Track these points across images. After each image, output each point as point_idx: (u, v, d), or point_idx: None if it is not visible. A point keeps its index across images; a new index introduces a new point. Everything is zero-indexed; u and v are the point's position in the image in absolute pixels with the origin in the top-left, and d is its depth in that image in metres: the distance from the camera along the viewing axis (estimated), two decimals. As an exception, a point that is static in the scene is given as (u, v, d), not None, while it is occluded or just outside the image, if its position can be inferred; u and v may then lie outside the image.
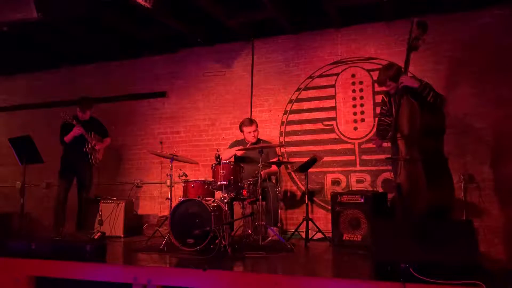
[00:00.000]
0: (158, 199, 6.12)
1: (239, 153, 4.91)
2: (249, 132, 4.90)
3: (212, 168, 4.19)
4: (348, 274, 3.00)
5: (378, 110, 4.80)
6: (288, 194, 5.57)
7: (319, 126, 5.53)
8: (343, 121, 5.44)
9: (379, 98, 4.90)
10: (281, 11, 5.15)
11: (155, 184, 6.16)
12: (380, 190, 5.05)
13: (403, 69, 3.58)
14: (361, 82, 5.41)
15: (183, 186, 4.41)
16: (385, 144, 4.16)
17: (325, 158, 5.29)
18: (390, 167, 4.56)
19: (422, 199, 3.38)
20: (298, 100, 5.67)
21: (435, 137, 3.54)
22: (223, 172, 4.02)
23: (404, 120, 3.54)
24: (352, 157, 5.33)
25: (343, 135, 5.41)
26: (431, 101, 3.49)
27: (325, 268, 3.51)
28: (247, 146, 4.83)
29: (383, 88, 4.05)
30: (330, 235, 4.42)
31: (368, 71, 5.37)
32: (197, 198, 3.97)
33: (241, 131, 4.99)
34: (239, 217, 4.41)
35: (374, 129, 5.17)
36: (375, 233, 2.97)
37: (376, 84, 5.27)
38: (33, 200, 6.28)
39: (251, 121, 4.95)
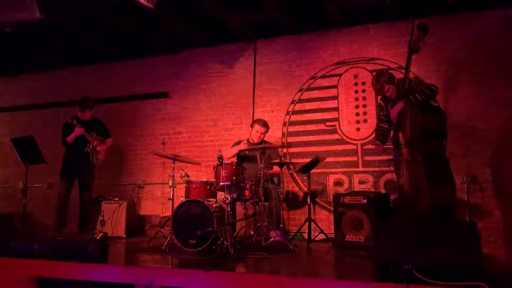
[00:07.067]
0: (160, 199, 6.11)
1: (242, 151, 4.90)
2: (257, 132, 4.89)
3: (214, 168, 4.19)
4: (351, 276, 2.99)
5: (380, 111, 4.79)
6: (290, 195, 5.56)
7: (321, 127, 5.51)
8: (345, 122, 5.43)
9: (381, 99, 4.90)
10: (283, 12, 5.15)
11: (157, 184, 6.16)
12: (383, 191, 5.03)
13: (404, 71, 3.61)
14: (363, 83, 5.40)
15: (185, 187, 4.41)
16: (387, 145, 4.15)
17: (328, 159, 5.28)
18: (392, 168, 4.55)
19: (424, 200, 3.37)
20: (301, 100, 5.67)
21: (436, 138, 3.53)
22: (225, 173, 4.01)
23: (405, 121, 3.53)
24: (354, 158, 5.32)
25: (345, 136, 5.40)
26: (424, 99, 3.52)
27: (328, 269, 3.50)
28: (250, 146, 4.83)
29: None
30: (332, 236, 4.42)
31: (371, 71, 5.34)
32: (199, 199, 3.97)
33: (251, 126, 4.98)
34: (241, 218, 4.40)
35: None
36: (378, 234, 2.97)
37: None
38: (35, 200, 6.30)
39: (265, 124, 4.94)
